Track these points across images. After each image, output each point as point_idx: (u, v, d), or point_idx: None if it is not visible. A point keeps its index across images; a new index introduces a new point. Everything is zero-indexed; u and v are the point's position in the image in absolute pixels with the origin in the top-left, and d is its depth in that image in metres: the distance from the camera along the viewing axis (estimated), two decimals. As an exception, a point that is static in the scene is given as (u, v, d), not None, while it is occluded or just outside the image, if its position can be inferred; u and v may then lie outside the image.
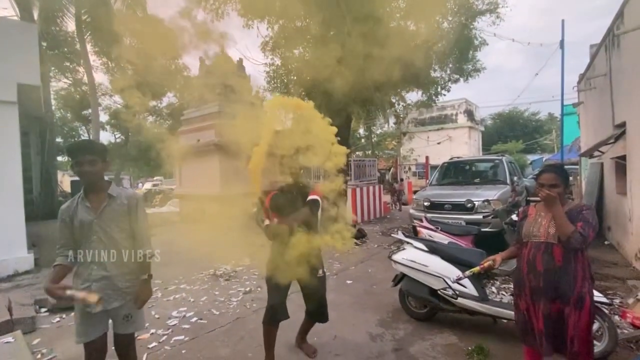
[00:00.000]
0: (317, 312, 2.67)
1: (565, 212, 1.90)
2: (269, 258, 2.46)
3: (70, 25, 12.36)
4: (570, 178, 12.02)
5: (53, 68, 14.34)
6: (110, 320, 1.97)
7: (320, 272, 2.59)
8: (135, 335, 3.20)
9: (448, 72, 9.14)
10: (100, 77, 21.39)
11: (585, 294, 1.86)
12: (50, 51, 13.25)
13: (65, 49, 14.26)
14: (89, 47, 12.32)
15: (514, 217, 3.96)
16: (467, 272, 2.29)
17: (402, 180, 15.33)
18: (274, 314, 2.50)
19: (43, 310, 3.90)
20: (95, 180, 1.88)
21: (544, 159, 21.54)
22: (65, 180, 18.63)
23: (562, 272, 1.88)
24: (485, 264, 2.18)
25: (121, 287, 1.91)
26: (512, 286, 3.00)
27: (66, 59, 14.75)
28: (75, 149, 1.86)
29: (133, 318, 1.97)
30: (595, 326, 2.59)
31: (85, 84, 15.12)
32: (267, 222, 2.42)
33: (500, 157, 7.72)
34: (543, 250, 1.93)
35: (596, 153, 6.89)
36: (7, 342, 2.92)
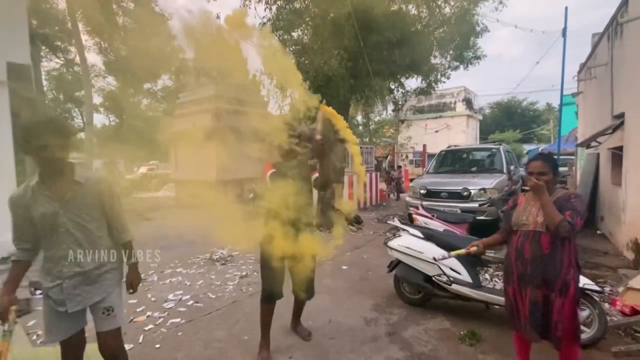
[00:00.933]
0: (302, 289, 2.65)
1: (553, 200, 1.91)
2: (263, 237, 2.44)
3: (62, 3, 11.96)
4: (566, 168, 12.10)
5: (44, 47, 13.94)
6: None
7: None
8: (132, 318, 3.24)
9: (448, 58, 9.02)
10: (93, 58, 20.90)
11: (570, 281, 1.88)
12: (41, 29, 12.85)
13: (57, 28, 13.85)
14: (80, 26, 11.95)
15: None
16: (453, 253, 2.41)
17: (399, 167, 15.17)
18: (269, 293, 2.54)
19: (38, 292, 3.89)
20: (62, 167, 1.61)
21: (540, 149, 21.63)
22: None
23: (548, 259, 1.90)
24: (472, 249, 2.28)
25: (100, 280, 1.71)
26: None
27: (57, 38, 14.34)
28: (43, 130, 1.51)
29: (114, 312, 1.75)
30: (586, 313, 2.64)
31: (77, 65, 14.75)
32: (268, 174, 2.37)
33: (497, 146, 7.72)
34: (531, 239, 1.95)
35: (593, 143, 6.90)
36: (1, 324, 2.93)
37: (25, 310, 3.38)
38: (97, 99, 17.96)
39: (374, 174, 11.59)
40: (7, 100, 5.39)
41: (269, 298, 2.55)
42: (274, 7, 7.47)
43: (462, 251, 2.31)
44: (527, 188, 2.13)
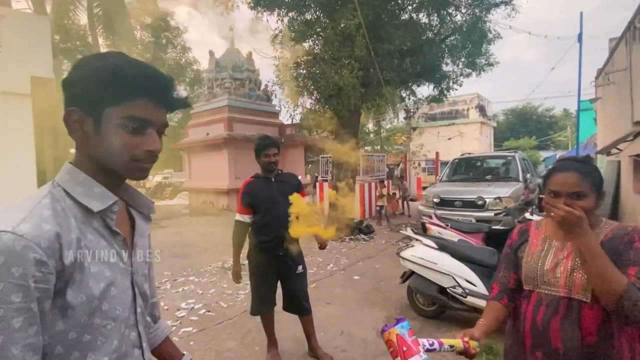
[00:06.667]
0: (297, 305, 2.65)
1: (601, 242, 1.05)
2: (249, 251, 2.56)
3: (83, 19, 12.51)
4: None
5: (66, 61, 14.55)
6: None
7: (300, 268, 2.62)
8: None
9: (460, 66, 8.95)
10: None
11: None
12: (63, 44, 13.44)
13: (78, 42, 14.47)
14: (100, 40, 12.45)
15: (526, 214, 3.87)
16: (446, 344, 1.09)
17: (398, 178, 11.91)
18: (258, 306, 2.60)
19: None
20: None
21: (557, 156, 21.06)
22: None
23: (597, 355, 1.03)
24: (472, 345, 1.09)
25: None
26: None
27: (78, 52, 14.97)
28: None
29: None
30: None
31: (97, 77, 15.33)
32: (237, 217, 2.50)
33: (512, 154, 7.57)
34: (564, 314, 1.06)
35: (613, 151, 6.68)
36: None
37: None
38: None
39: (386, 182, 11.48)
40: (30, 113, 5.62)
41: (258, 312, 2.62)
42: (285, 19, 7.61)
43: (457, 343, 1.09)
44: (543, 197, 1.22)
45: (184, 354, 0.97)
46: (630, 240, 1.03)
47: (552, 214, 1.03)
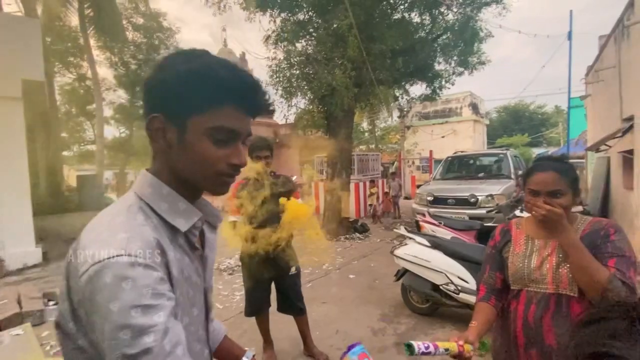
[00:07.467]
0: (290, 306, 2.67)
1: (579, 237, 1.11)
2: (241, 252, 2.53)
3: (74, 20, 12.40)
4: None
5: (57, 63, 14.40)
6: None
7: (294, 269, 2.62)
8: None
9: (452, 64, 9.02)
10: (103, 72, 21.49)
11: None
12: (54, 46, 13.30)
13: (69, 44, 14.33)
14: (92, 41, 12.35)
15: (517, 211, 3.94)
16: (441, 347, 1.11)
17: (393, 174, 12.14)
18: (252, 307, 2.63)
19: (52, 303, 3.97)
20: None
21: (549, 152, 21.29)
22: (71, 175, 18.83)
23: None
24: (467, 349, 1.12)
25: None
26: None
27: (70, 54, 14.82)
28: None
29: None
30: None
31: (89, 79, 15.20)
32: (231, 218, 2.48)
33: (504, 151, 7.67)
34: (554, 310, 1.11)
35: (603, 147, 6.80)
36: (16, 335, 2.99)
37: (39, 321, 3.45)
38: (107, 112, 18.42)
39: (380, 181, 11.56)
40: (22, 116, 5.58)
41: (252, 313, 2.64)
42: (278, 20, 7.61)
43: (452, 346, 1.11)
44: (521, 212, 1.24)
45: (246, 350, 0.93)
46: (607, 233, 1.10)
47: (534, 212, 1.10)
